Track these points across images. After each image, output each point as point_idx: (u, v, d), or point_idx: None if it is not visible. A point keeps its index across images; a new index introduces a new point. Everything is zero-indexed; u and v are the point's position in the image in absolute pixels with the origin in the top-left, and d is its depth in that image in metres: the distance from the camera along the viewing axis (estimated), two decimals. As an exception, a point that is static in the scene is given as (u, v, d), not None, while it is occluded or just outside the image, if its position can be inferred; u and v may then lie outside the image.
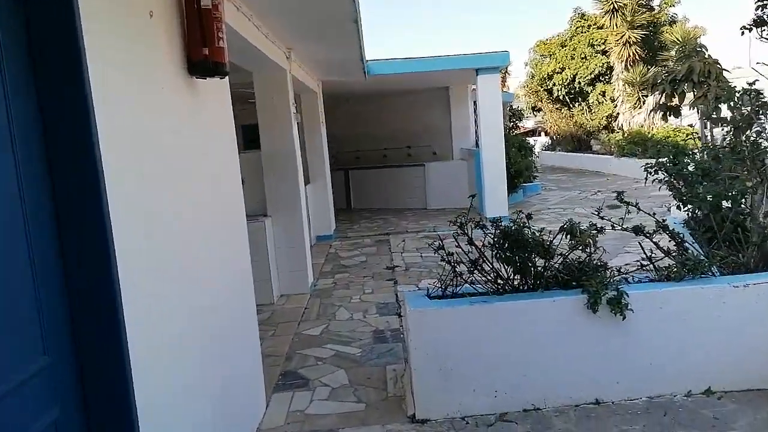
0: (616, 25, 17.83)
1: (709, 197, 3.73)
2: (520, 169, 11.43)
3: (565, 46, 20.31)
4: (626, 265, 3.60)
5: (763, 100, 3.75)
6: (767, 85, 4.19)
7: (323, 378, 3.66)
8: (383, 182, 11.69)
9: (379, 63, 8.50)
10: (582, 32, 20.06)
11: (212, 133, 2.67)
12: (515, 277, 3.22)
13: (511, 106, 21.07)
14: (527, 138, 15.55)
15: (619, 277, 3.27)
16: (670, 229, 3.49)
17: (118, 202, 1.61)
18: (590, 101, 20.11)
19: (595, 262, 3.21)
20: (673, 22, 18.66)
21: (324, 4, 3.88)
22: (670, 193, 4.67)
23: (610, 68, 19.13)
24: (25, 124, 1.34)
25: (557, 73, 20.36)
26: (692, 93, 7.31)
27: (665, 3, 19.05)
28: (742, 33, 4.71)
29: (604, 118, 19.80)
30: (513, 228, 3.03)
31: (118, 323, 1.51)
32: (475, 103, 12.47)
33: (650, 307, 3.03)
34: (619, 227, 3.45)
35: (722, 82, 7.50)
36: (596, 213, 3.39)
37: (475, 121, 12.79)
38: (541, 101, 22.15)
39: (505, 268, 3.20)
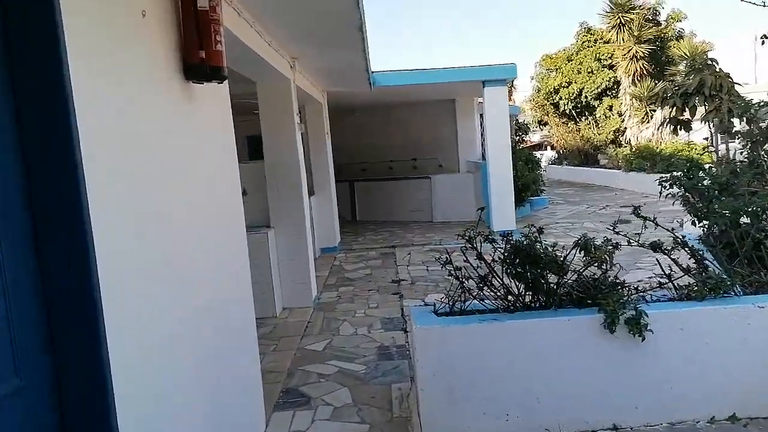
0: (623, 39, 17.79)
1: (726, 212, 3.58)
2: (527, 182, 11.31)
3: (572, 61, 20.28)
4: (639, 281, 3.45)
5: (782, 113, 3.62)
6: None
7: (326, 396, 3.50)
8: (389, 194, 11.58)
9: (384, 74, 8.45)
10: (588, 47, 20.04)
11: (209, 139, 2.56)
12: (526, 294, 3.08)
13: (517, 120, 21.01)
14: (533, 152, 15.43)
15: (636, 295, 3.12)
16: (690, 245, 3.33)
17: (109, 202, 1.51)
18: (597, 115, 20.02)
19: (610, 279, 3.07)
20: (680, 37, 18.60)
21: (328, 11, 3.80)
22: (684, 208, 4.53)
23: (617, 83, 19.05)
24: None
25: (564, 87, 20.30)
26: (703, 107, 7.20)
27: (672, 18, 19.02)
28: (763, 42, 4.60)
29: (611, 133, 19.68)
30: (524, 243, 2.89)
31: (99, 342, 1.38)
32: (481, 115, 12.40)
33: (670, 328, 2.87)
34: (635, 243, 3.31)
35: (734, 96, 7.39)
36: (611, 228, 3.24)
37: (482, 134, 12.71)
38: (548, 115, 22.07)
39: (515, 284, 3.06)
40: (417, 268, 7.07)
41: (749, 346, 2.86)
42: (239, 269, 2.90)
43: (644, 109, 17.25)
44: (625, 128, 18.52)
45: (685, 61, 16.33)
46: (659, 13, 18.85)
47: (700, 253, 3.33)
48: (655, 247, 3.22)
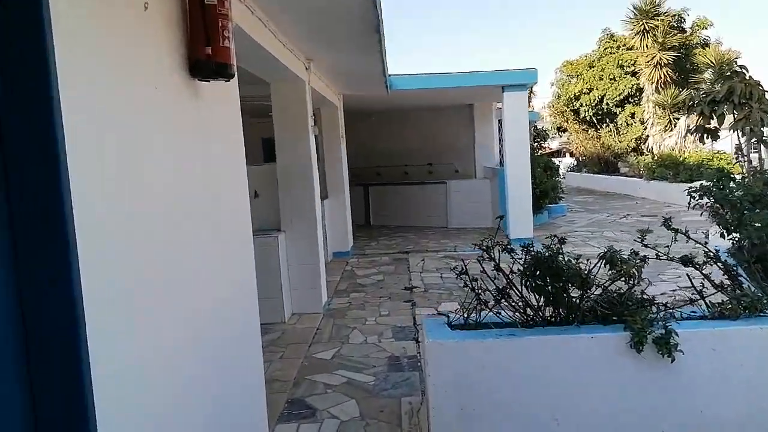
0: (647, 46, 17.42)
1: (759, 225, 3.37)
2: (545, 189, 11.08)
3: (594, 67, 19.94)
4: (662, 293, 3.25)
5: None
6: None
7: (332, 409, 3.36)
8: (403, 199, 11.43)
9: (402, 78, 8.33)
10: (611, 53, 19.69)
11: (215, 140, 2.45)
12: (546, 308, 2.90)
13: (536, 126, 20.74)
14: (552, 159, 15.16)
15: (663, 311, 2.92)
16: (723, 260, 3.13)
17: (99, 209, 1.40)
18: (618, 123, 19.63)
19: (636, 294, 2.88)
20: (705, 44, 18.18)
21: (344, 11, 3.68)
22: (713, 219, 4.32)
23: (640, 90, 18.67)
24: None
25: (585, 93, 19.97)
26: (732, 115, 6.94)
27: (697, 25, 18.60)
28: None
29: (632, 140, 19.27)
30: (546, 254, 2.72)
31: (80, 361, 1.25)
32: (499, 121, 12.20)
33: (702, 348, 2.67)
34: (664, 256, 3.11)
35: (765, 104, 7.12)
36: (639, 240, 3.04)
37: (500, 140, 12.51)
38: (567, 122, 21.73)
39: (535, 297, 2.88)
40: (430, 275, 6.91)
41: (789, 371, 2.64)
42: (244, 277, 2.78)
43: (667, 117, 16.85)
44: (647, 136, 18.12)
45: (710, 69, 15.93)
46: (684, 20, 18.45)
47: (735, 268, 3.13)
48: (686, 261, 3.02)
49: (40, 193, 1.20)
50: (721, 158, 14.00)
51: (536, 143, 21.06)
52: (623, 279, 2.69)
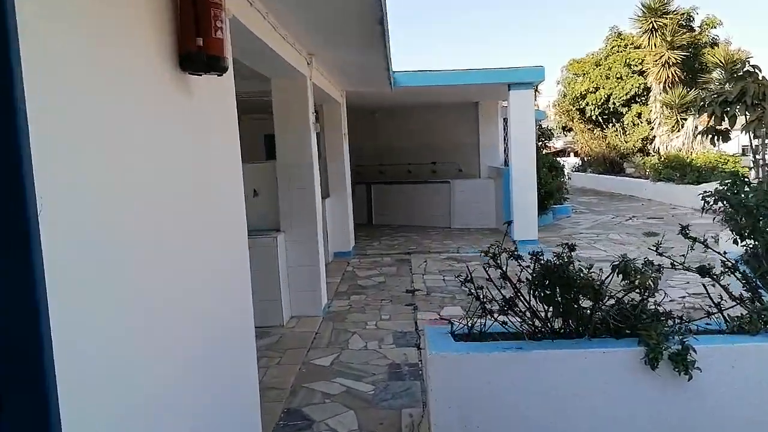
0: (655, 45, 17.16)
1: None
2: (550, 190, 10.91)
3: (600, 66, 19.70)
4: (671, 301, 3.09)
5: None
6: None
7: (330, 420, 3.23)
8: (406, 198, 11.28)
9: (406, 74, 8.17)
10: (618, 51, 19.44)
11: (208, 137, 2.30)
12: (555, 319, 2.75)
13: (540, 125, 20.54)
14: (556, 158, 14.96)
15: (679, 324, 2.77)
16: (741, 271, 2.97)
17: (70, 220, 1.27)
18: (625, 122, 19.40)
19: (650, 305, 2.73)
20: (714, 44, 17.91)
21: (347, 3, 3.52)
22: (726, 225, 4.16)
23: (647, 89, 18.42)
24: None
25: (591, 92, 19.73)
26: (744, 116, 6.77)
27: (706, 24, 18.33)
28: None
29: (638, 141, 19.04)
30: (556, 263, 2.57)
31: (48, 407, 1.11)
32: (505, 120, 12.02)
33: (720, 365, 2.52)
34: (680, 266, 2.96)
35: (778, 106, 6.98)
36: (654, 249, 2.89)
37: (505, 139, 12.33)
38: (572, 121, 21.50)
39: (543, 307, 2.74)
40: (433, 277, 6.76)
41: (814, 391, 2.49)
42: (238, 280, 2.64)
43: (675, 117, 16.62)
44: (654, 136, 17.89)
45: (719, 69, 15.68)
46: (693, 19, 18.18)
47: (755, 280, 2.97)
48: (704, 272, 2.87)
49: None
50: (736, 161, 13.79)
51: (541, 142, 20.85)
52: (638, 291, 2.54)
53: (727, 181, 4.14)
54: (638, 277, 2.59)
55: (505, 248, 2.85)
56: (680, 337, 2.52)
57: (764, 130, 6.79)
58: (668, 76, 16.92)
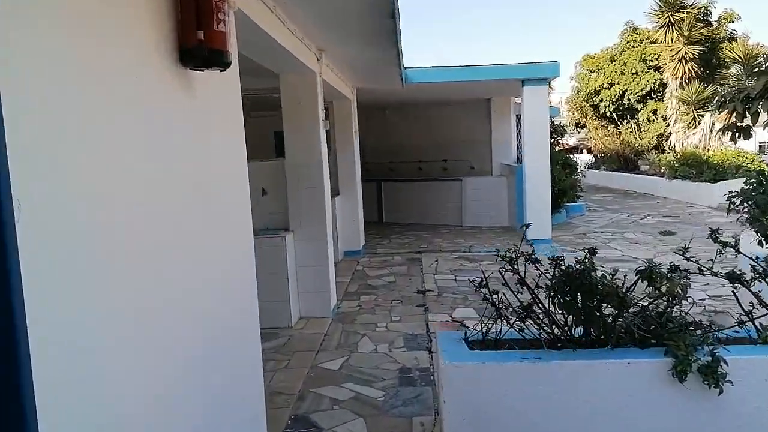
0: (672, 40, 16.79)
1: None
2: (564, 188, 10.70)
3: (615, 61, 19.34)
4: (692, 304, 2.94)
5: None
6: None
7: (338, 428, 3.12)
8: (417, 196, 11.13)
9: (417, 71, 8.02)
10: (633, 47, 19.07)
11: (211, 136, 2.20)
12: (575, 327, 2.62)
13: (553, 121, 20.24)
14: (570, 155, 14.72)
15: (707, 333, 2.62)
16: (774, 276, 2.80)
17: (53, 207, 1.16)
18: (640, 119, 19.04)
19: (675, 313, 2.58)
20: (732, 38, 17.48)
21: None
22: (751, 226, 3.98)
23: (663, 85, 18.05)
24: None
25: (605, 88, 19.39)
26: (768, 113, 6.59)
27: (724, 19, 17.91)
28: None
29: (654, 137, 18.69)
30: (577, 269, 2.43)
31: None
32: (518, 116, 11.82)
33: (752, 379, 2.37)
34: (708, 271, 2.80)
35: (803, 102, 6.72)
36: (680, 253, 2.73)
37: (518, 136, 12.12)
38: (586, 117, 21.18)
39: (563, 314, 2.60)
40: (444, 277, 6.63)
41: None
42: (243, 282, 2.54)
43: (691, 114, 16.26)
44: (670, 133, 17.54)
45: (737, 64, 15.29)
46: (710, 13, 17.78)
47: (788, 287, 2.80)
48: (733, 278, 2.71)
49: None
50: (757, 159, 13.42)
51: (553, 139, 20.54)
52: (666, 299, 2.39)
53: (752, 181, 3.96)
54: (665, 283, 2.45)
55: (522, 252, 2.71)
56: (710, 347, 2.38)
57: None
58: (685, 72, 16.56)
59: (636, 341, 2.49)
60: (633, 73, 18.75)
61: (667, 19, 16.82)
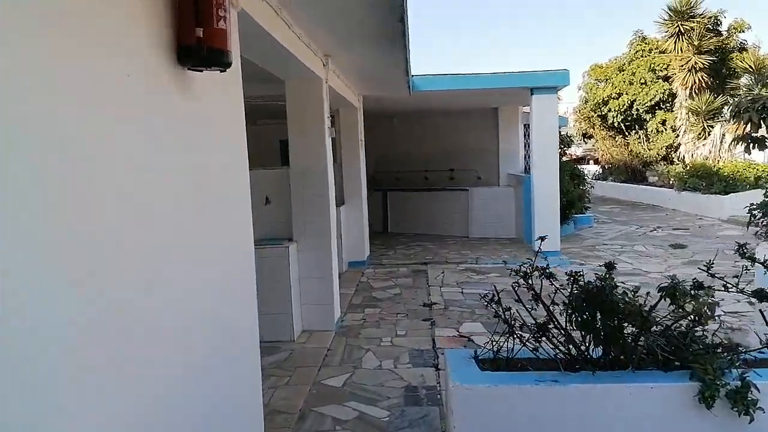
0: (681, 49, 16.63)
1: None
2: (572, 199, 10.52)
3: (624, 71, 19.19)
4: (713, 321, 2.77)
5: None
6: None
7: (340, 450, 2.96)
8: (423, 206, 10.99)
9: (425, 79, 7.92)
10: (642, 56, 18.93)
11: (210, 140, 2.08)
12: (594, 346, 2.46)
13: (560, 131, 20.08)
14: (577, 166, 14.54)
15: (733, 354, 2.45)
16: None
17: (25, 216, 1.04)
18: (648, 129, 18.85)
19: (699, 333, 2.43)
20: (742, 48, 17.31)
21: (366, -2, 3.29)
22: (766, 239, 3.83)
23: (673, 95, 17.86)
24: None
25: (613, 98, 19.23)
26: (783, 123, 6.42)
27: (734, 28, 17.75)
28: None
29: (663, 148, 18.47)
30: (597, 285, 2.29)
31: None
32: (525, 126, 11.68)
33: (785, 405, 2.20)
34: (733, 288, 2.64)
35: (819, 112, 6.55)
36: (705, 270, 2.57)
37: (526, 146, 11.98)
38: (594, 128, 21.00)
39: (581, 333, 2.45)
40: (451, 289, 6.47)
41: None
42: (242, 297, 2.41)
43: (701, 125, 16.06)
44: (679, 144, 17.33)
45: (747, 74, 15.13)
46: (720, 22, 17.61)
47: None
48: (762, 296, 2.55)
49: None
50: (751, 169, 13.17)
51: (560, 149, 20.38)
52: (693, 319, 2.24)
53: (773, 193, 3.81)
54: (689, 301, 2.29)
55: (537, 267, 2.57)
56: (739, 371, 2.22)
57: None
58: (695, 82, 16.37)
59: (659, 363, 2.34)
60: (642, 83, 18.59)
61: (677, 28, 16.67)
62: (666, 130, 18.38)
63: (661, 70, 18.23)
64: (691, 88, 16.47)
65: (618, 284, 2.33)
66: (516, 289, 2.61)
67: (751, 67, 14.38)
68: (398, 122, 11.67)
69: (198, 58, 1.78)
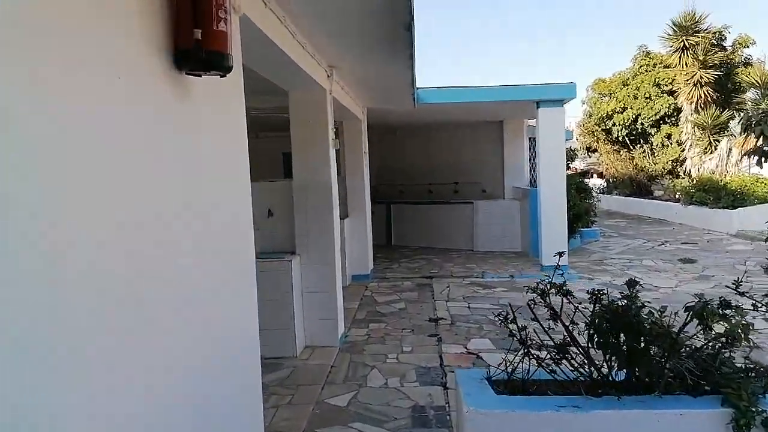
0: (686, 64, 16.58)
1: None
2: (579, 212, 10.39)
3: (628, 85, 19.15)
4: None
5: None
6: None
7: (345, 476, 2.80)
8: (427, 219, 10.87)
9: (430, 91, 7.85)
10: (647, 71, 18.90)
11: (209, 149, 1.96)
12: (617, 369, 2.31)
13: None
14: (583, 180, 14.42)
15: (765, 380, 2.30)
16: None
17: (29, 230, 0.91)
18: (654, 144, 18.75)
19: (729, 356, 2.27)
20: (747, 63, 17.26)
21: (372, 5, 3.20)
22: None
23: (678, 110, 17.78)
24: None
25: (618, 112, 19.16)
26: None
27: (739, 44, 17.73)
28: None
29: (668, 162, 18.35)
30: (622, 305, 2.15)
31: None
32: (531, 139, 11.60)
33: (825, 434, 2.04)
34: (762, 306, 2.49)
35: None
36: (734, 288, 2.43)
37: (531, 159, 11.89)
38: (598, 141, 20.92)
39: (604, 355, 2.30)
40: (457, 304, 6.31)
41: None
42: (242, 312, 2.27)
43: (707, 139, 15.95)
44: (685, 158, 17.20)
45: (753, 89, 15.04)
46: (725, 37, 17.59)
47: None
48: (793, 315, 2.39)
49: None
50: (760, 184, 13.02)
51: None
52: (726, 342, 2.09)
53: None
54: (718, 321, 2.15)
55: (553, 283, 2.43)
56: (775, 397, 2.06)
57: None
58: (700, 96, 16.30)
59: (687, 388, 2.19)
60: (646, 98, 18.52)
61: (682, 43, 16.64)
62: (671, 144, 18.27)
63: (666, 85, 18.18)
64: (697, 103, 16.39)
65: (644, 303, 2.19)
66: (532, 306, 2.47)
67: (757, 81, 14.30)
68: (402, 135, 11.61)
69: (196, 61, 1.68)
